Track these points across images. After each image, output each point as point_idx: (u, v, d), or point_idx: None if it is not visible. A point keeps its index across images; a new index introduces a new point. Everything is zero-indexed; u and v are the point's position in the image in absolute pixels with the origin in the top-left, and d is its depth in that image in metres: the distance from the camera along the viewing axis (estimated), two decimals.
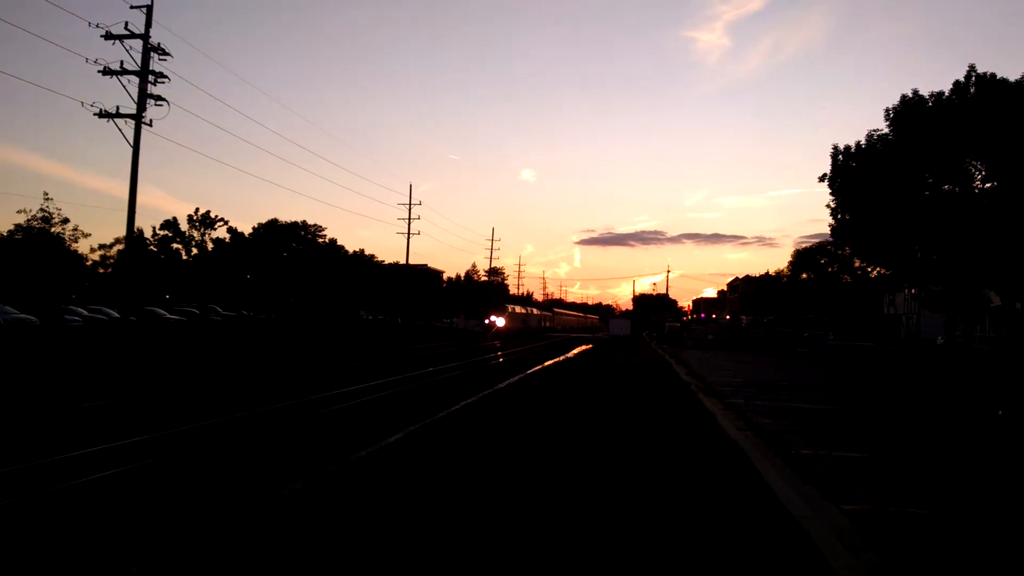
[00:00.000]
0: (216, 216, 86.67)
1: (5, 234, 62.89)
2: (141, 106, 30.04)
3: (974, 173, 37.81)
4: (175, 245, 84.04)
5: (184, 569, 5.24)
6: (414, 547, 5.65)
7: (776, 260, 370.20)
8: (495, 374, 26.46)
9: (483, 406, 15.16)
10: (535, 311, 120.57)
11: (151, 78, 30.12)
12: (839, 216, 42.30)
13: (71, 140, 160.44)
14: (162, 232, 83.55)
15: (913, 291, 57.94)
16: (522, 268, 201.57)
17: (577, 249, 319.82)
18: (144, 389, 18.50)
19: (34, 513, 7.55)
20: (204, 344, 35.64)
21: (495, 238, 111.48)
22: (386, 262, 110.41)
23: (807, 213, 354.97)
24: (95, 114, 29.86)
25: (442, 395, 18.55)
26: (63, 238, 63.46)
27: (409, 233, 71.81)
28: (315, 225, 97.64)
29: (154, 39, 30.31)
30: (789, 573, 5.30)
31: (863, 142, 40.43)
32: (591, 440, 10.87)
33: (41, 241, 61.00)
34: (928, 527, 6.47)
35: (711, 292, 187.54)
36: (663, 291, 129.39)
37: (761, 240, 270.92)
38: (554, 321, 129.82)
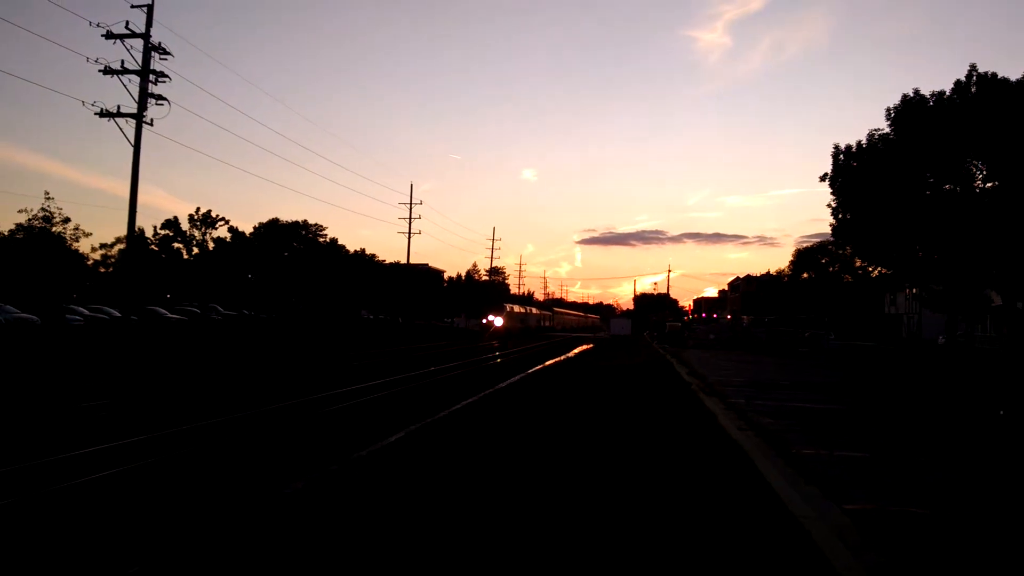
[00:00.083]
0: (217, 215, 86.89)
1: (6, 233, 63.01)
2: (142, 105, 30.07)
3: (975, 173, 37.80)
4: (176, 244, 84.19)
5: (184, 569, 5.24)
6: (414, 546, 5.65)
7: (777, 260, 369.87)
8: (496, 374, 26.45)
9: (484, 405, 15.16)
10: (534, 310, 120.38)
11: (152, 77, 30.16)
12: (840, 216, 42.28)
13: (72, 140, 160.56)
14: (163, 231, 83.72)
15: (914, 291, 57.91)
16: (523, 268, 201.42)
17: (578, 249, 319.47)
18: (145, 388, 18.51)
19: (34, 513, 7.55)
20: (205, 344, 35.66)
21: (496, 238, 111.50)
22: (387, 262, 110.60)
23: (808, 213, 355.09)
24: (96, 113, 29.93)
25: (443, 394, 18.55)
26: (64, 237, 63.57)
27: (410, 233, 71.90)
28: (316, 225, 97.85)
29: (155, 38, 30.39)
30: (791, 573, 5.30)
31: (864, 141, 40.42)
32: (592, 439, 10.87)
33: (42, 240, 61.07)
34: (930, 527, 6.47)
35: (712, 292, 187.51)
36: (664, 291, 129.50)
37: (762, 240, 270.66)
38: (554, 321, 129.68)
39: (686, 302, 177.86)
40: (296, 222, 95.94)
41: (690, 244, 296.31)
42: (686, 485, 7.89)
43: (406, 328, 73.26)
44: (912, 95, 38.42)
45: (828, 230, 46.36)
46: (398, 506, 6.81)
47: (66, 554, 6.35)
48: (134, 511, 7.71)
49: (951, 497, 7.77)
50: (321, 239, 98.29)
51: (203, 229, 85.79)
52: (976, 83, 36.58)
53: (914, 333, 73.43)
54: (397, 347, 44.41)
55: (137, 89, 30.01)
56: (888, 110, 39.12)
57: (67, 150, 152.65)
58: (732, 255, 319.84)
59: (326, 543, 5.71)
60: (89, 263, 74.37)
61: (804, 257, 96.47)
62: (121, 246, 72.52)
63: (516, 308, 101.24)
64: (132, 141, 29.95)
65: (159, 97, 30.32)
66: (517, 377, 23.48)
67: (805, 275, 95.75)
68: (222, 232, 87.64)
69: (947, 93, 37.34)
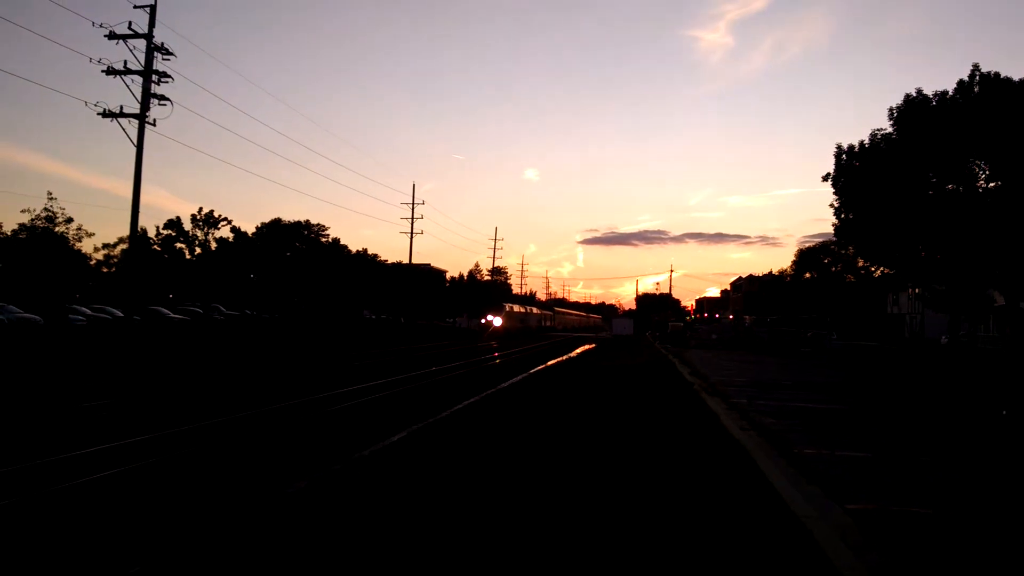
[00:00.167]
0: (219, 216, 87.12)
1: (9, 234, 63.14)
2: (145, 106, 30.14)
3: (978, 172, 37.78)
4: (179, 244, 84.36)
5: (186, 569, 5.25)
6: (416, 545, 5.66)
7: (779, 260, 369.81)
8: (498, 373, 26.46)
9: (486, 405, 15.17)
10: (535, 310, 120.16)
11: (154, 78, 30.22)
12: (843, 215, 42.26)
13: (75, 140, 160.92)
14: (166, 231, 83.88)
15: (917, 291, 57.79)
16: (525, 268, 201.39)
17: (580, 249, 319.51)
18: (148, 388, 18.54)
19: (36, 513, 7.57)
20: (208, 343, 35.71)
21: (498, 237, 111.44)
22: (389, 262, 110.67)
23: (810, 212, 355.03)
24: (99, 114, 30.02)
25: (445, 394, 18.55)
26: (67, 238, 63.71)
27: (412, 233, 71.94)
28: (318, 225, 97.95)
29: (157, 39, 30.49)
30: (793, 572, 5.30)
31: (867, 141, 40.40)
32: (594, 439, 10.87)
33: (45, 241, 61.20)
34: (932, 527, 6.46)
35: (714, 292, 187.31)
36: (666, 291, 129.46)
37: (764, 239, 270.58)
38: (555, 320, 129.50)
39: (688, 302, 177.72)
40: (298, 222, 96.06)
41: (692, 244, 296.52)
42: (689, 484, 7.89)
43: (408, 328, 73.29)
44: (915, 95, 38.39)
45: (830, 230, 46.41)
46: (400, 506, 6.81)
47: (68, 554, 6.36)
48: (136, 511, 7.72)
49: (954, 497, 7.77)
50: (323, 239, 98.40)
51: (205, 229, 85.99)
52: (979, 83, 36.54)
53: (917, 333, 73.35)
54: (399, 347, 44.42)
55: (140, 89, 30.10)
56: (891, 110, 39.11)
57: (70, 150, 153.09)
58: (734, 255, 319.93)
59: (330, 542, 5.72)
60: (92, 263, 74.50)
61: (806, 257, 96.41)
62: (123, 246, 72.67)
63: (515, 308, 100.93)
64: (135, 141, 30.02)
65: (162, 97, 30.39)
66: (519, 377, 23.48)
67: (807, 275, 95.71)
68: (224, 232, 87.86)
69: (950, 93, 37.32)
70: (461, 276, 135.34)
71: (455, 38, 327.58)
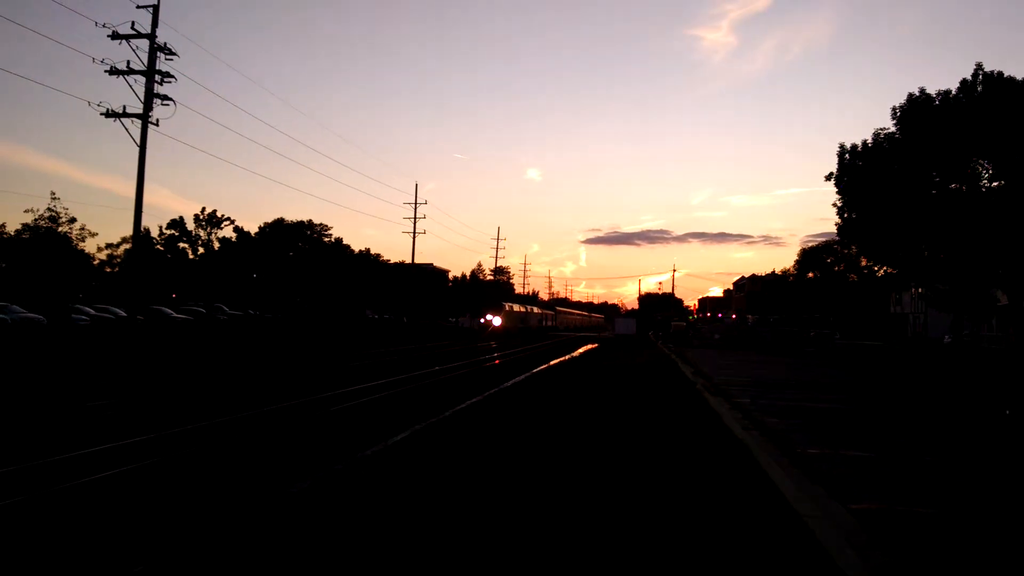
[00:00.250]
0: (222, 215, 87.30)
1: (13, 234, 63.31)
2: (148, 106, 30.17)
3: (981, 172, 37.72)
4: (182, 244, 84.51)
5: (189, 568, 5.26)
6: (418, 545, 5.66)
7: (782, 259, 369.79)
8: (500, 373, 26.46)
9: (489, 405, 15.17)
10: (536, 309, 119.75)
11: (157, 78, 30.26)
12: (846, 215, 42.21)
13: (78, 140, 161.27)
14: (169, 231, 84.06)
15: (920, 290, 57.71)
16: (528, 267, 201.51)
17: (583, 248, 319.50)
18: (151, 388, 18.56)
19: (38, 512, 7.58)
20: (211, 343, 35.75)
21: (500, 237, 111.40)
22: (392, 261, 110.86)
23: (813, 212, 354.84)
24: (102, 114, 30.07)
25: (447, 394, 18.55)
26: (70, 237, 63.92)
27: (415, 232, 71.98)
28: (321, 224, 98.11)
29: (160, 39, 30.53)
30: (796, 572, 5.29)
31: (870, 141, 40.35)
32: (596, 439, 10.86)
33: (48, 240, 61.36)
34: (936, 527, 6.45)
35: (717, 291, 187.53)
36: (669, 290, 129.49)
37: (767, 239, 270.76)
38: (557, 320, 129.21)
39: (691, 302, 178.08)
40: (301, 222, 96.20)
41: (695, 244, 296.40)
42: (691, 484, 7.88)
43: (411, 328, 73.31)
44: (918, 94, 38.35)
45: (834, 229, 46.39)
46: (403, 505, 6.82)
47: (71, 553, 6.37)
48: (140, 510, 7.73)
49: (958, 497, 7.75)
50: (326, 239, 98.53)
51: (208, 229, 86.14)
52: (982, 82, 36.50)
53: (920, 333, 73.24)
54: (401, 347, 44.43)
55: (143, 89, 30.12)
56: (894, 109, 39.07)
57: (73, 150, 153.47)
58: (737, 255, 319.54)
59: (333, 542, 5.72)
60: (95, 263, 74.71)
61: (809, 256, 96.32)
62: (127, 246, 72.84)
63: (515, 307, 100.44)
64: (138, 141, 30.09)
65: (165, 97, 30.43)
66: (521, 377, 23.48)
67: (810, 274, 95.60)
68: (227, 232, 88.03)
69: (953, 92, 37.27)
70: (464, 276, 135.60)
71: (457, 38, 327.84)
